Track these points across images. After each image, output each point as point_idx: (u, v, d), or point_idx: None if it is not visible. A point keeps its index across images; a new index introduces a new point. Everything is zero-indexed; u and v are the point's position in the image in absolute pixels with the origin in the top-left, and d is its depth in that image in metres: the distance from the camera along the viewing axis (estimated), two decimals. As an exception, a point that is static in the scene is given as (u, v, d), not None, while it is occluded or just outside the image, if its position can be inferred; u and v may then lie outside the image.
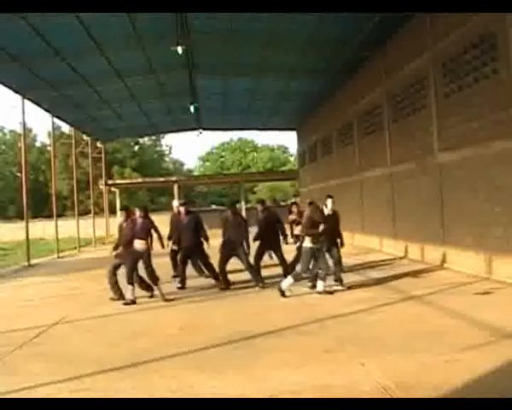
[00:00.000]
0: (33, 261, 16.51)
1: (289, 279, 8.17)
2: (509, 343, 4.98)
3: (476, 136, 9.09)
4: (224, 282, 9.13)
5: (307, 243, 8.16)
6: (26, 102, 16.38)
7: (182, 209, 9.78)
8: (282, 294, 8.07)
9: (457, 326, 5.78)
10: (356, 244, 16.52)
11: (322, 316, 6.58)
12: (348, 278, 9.16)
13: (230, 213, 9.22)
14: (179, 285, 9.33)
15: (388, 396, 3.79)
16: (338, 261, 8.82)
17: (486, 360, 4.42)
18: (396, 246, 13.39)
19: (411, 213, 12.34)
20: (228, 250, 9.08)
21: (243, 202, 32.68)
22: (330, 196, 8.90)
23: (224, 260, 9.12)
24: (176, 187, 33.20)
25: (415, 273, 9.86)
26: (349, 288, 8.53)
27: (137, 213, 8.45)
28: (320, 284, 8.18)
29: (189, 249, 9.46)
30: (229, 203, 9.64)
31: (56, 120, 21.09)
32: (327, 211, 8.71)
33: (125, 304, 8.12)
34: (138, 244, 8.19)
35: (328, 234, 8.40)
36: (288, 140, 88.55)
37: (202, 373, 4.58)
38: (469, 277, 9.02)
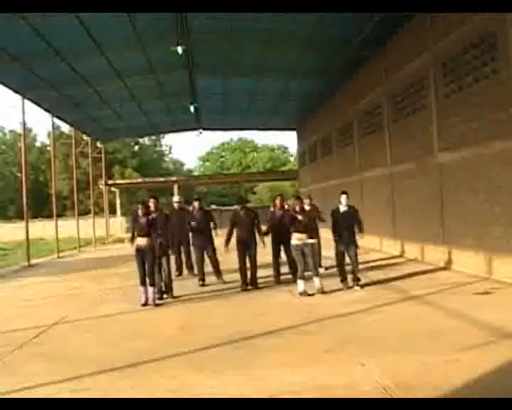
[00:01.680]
0: (33, 261, 16.50)
1: (298, 282, 8.21)
2: (509, 343, 4.98)
3: (476, 136, 9.09)
4: (243, 281, 9.03)
5: (292, 240, 8.35)
6: (26, 102, 16.38)
7: (196, 205, 10.10)
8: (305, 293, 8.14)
9: (457, 326, 5.78)
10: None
11: (322, 316, 6.58)
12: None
13: (243, 213, 9.16)
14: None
15: (388, 396, 3.79)
16: (354, 260, 8.57)
17: (486, 360, 4.42)
18: (396, 246, 13.39)
19: (411, 213, 12.33)
20: (244, 249, 9.09)
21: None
22: (344, 192, 8.65)
23: (243, 259, 9.06)
24: (176, 187, 33.23)
25: (415, 273, 9.85)
26: (349, 287, 8.53)
27: (152, 205, 8.30)
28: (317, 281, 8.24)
29: (202, 245, 9.82)
30: (240, 201, 9.56)
31: (56, 120, 21.11)
32: (342, 208, 8.61)
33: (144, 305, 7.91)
34: (140, 241, 8.03)
35: (344, 232, 8.43)
36: (287, 140, 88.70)
37: (202, 373, 4.58)
38: (469, 277, 9.01)
